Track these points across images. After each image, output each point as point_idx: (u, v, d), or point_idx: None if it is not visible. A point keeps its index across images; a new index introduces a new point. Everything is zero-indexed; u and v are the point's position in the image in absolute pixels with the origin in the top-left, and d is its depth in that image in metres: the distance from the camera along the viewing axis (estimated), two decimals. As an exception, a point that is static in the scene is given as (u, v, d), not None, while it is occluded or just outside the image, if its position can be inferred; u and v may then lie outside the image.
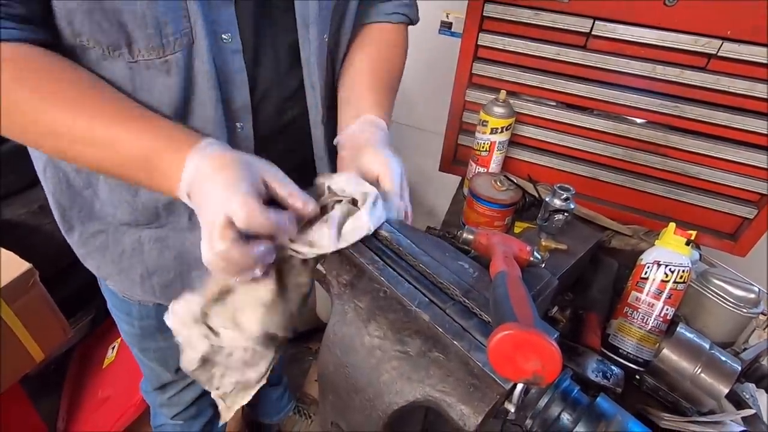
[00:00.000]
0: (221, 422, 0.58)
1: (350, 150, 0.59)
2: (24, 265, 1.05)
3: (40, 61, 0.46)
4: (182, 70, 0.51)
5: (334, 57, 0.68)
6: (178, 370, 0.89)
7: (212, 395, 0.56)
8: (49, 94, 0.46)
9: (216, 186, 0.43)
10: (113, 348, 1.50)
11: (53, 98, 0.46)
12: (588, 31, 0.97)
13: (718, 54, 0.89)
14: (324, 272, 0.52)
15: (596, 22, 0.95)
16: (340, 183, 0.52)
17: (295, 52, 0.61)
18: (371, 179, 0.55)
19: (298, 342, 1.76)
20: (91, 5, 0.45)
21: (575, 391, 0.42)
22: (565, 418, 0.41)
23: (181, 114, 0.55)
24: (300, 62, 0.62)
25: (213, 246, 0.42)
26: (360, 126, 0.61)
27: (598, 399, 0.41)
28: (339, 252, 0.53)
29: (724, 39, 0.87)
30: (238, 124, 0.59)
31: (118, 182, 0.59)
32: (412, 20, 0.76)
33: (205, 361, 0.54)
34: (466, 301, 0.48)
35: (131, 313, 0.78)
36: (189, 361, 0.54)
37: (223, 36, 0.53)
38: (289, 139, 0.67)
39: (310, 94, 0.64)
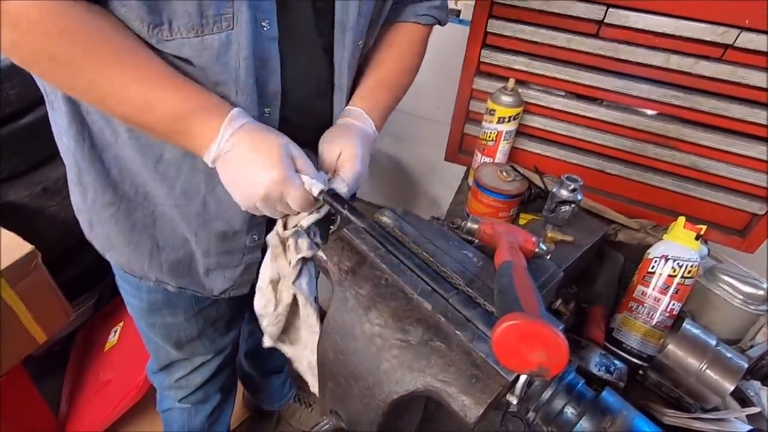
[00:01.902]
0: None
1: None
2: (26, 247, 1.05)
3: (86, 17, 0.48)
4: (217, 53, 0.52)
5: (361, 57, 0.69)
6: (183, 346, 0.90)
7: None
8: (91, 50, 0.48)
9: (259, 167, 0.53)
10: (115, 332, 1.51)
11: (95, 53, 0.48)
12: (601, 18, 0.94)
13: (735, 44, 0.87)
14: (325, 258, 0.51)
15: (609, 9, 0.92)
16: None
17: (328, 53, 0.63)
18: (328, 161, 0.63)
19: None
20: None
21: (580, 384, 0.41)
22: (569, 411, 0.40)
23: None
24: (332, 62, 0.63)
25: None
26: (340, 119, 0.68)
27: (604, 393, 0.40)
28: (341, 238, 0.53)
29: (742, 28, 0.85)
30: (266, 109, 0.60)
31: (147, 142, 0.60)
32: (441, 22, 0.77)
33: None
34: (470, 290, 0.47)
35: (140, 287, 0.79)
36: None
37: (263, 23, 0.54)
38: (312, 135, 0.67)
39: (338, 95, 0.66)
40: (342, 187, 0.60)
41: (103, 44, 0.49)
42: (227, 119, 0.53)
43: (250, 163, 0.53)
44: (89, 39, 0.48)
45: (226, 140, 0.53)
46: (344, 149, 0.62)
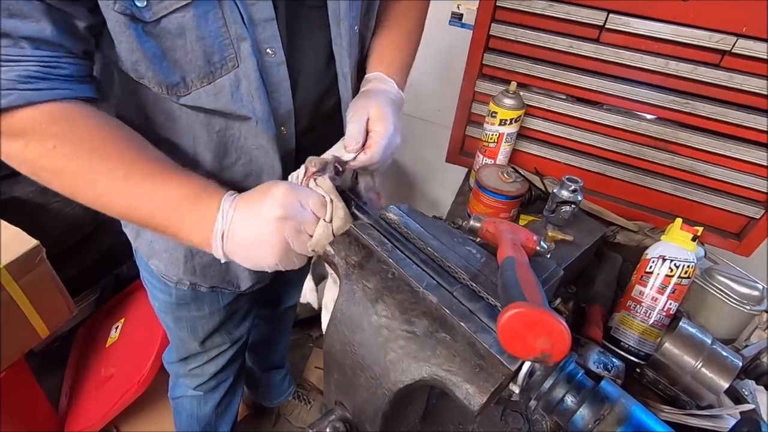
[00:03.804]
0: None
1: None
2: (31, 242, 1.06)
3: (86, 120, 0.50)
4: (230, 92, 0.55)
5: (364, 38, 0.70)
6: (204, 341, 0.93)
7: None
8: (91, 151, 0.50)
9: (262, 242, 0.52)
10: (117, 328, 1.51)
11: (92, 155, 0.50)
12: (602, 24, 0.96)
13: (732, 51, 0.89)
14: (333, 253, 0.52)
15: (610, 15, 0.94)
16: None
17: (328, 48, 0.64)
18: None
19: (299, 328, 1.77)
20: (151, 52, 0.50)
21: (580, 374, 0.43)
22: (570, 400, 0.42)
23: (236, 133, 0.59)
24: (333, 56, 0.64)
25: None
26: (363, 87, 0.67)
27: (603, 382, 0.42)
28: (348, 233, 0.54)
29: (739, 36, 0.87)
30: (282, 128, 0.62)
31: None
32: None
33: None
34: (474, 284, 0.48)
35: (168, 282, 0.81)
36: None
37: (268, 50, 0.56)
38: (324, 128, 0.69)
39: (342, 84, 0.67)
40: (375, 154, 0.57)
41: (101, 146, 0.50)
42: (215, 224, 0.52)
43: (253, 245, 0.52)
44: (89, 141, 0.49)
45: (220, 239, 0.52)
46: (371, 110, 0.60)
